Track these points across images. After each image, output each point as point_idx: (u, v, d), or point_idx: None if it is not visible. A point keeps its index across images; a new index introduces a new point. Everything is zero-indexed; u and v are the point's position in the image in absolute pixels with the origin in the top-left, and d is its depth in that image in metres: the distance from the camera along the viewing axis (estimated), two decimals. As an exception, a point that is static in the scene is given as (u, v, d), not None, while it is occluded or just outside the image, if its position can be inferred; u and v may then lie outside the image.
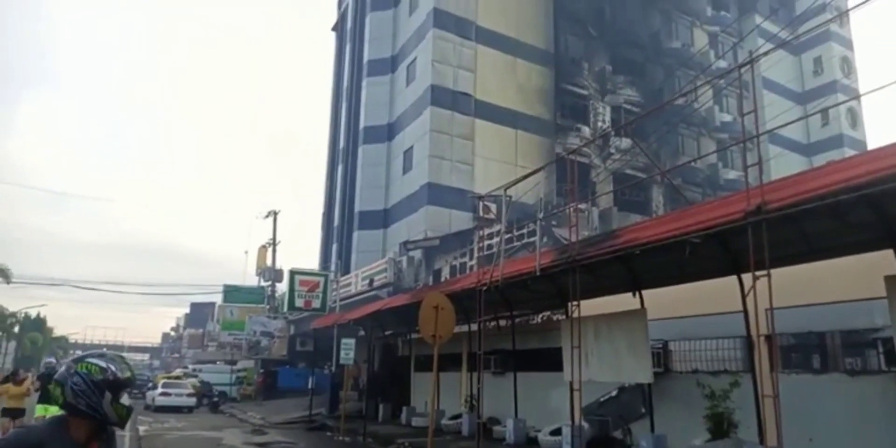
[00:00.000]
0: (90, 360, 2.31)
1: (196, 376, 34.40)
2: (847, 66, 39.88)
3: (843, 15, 35.12)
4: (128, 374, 2.33)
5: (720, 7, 38.67)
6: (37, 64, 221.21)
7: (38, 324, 75.07)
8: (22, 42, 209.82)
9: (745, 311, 8.25)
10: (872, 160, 6.99)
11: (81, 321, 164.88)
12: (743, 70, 9.27)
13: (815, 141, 38.34)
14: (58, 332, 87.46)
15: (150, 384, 35.42)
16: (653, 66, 33.89)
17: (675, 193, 28.13)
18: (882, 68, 60.88)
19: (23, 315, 65.90)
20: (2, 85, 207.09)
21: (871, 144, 36.64)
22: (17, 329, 66.24)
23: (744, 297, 8.13)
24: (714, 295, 9.93)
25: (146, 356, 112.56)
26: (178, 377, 33.76)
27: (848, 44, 40.87)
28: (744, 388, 9.17)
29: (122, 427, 2.40)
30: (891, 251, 7.56)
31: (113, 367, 2.28)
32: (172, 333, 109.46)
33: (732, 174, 32.64)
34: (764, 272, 6.87)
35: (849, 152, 33.53)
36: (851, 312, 8.97)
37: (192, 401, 27.97)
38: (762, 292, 6.86)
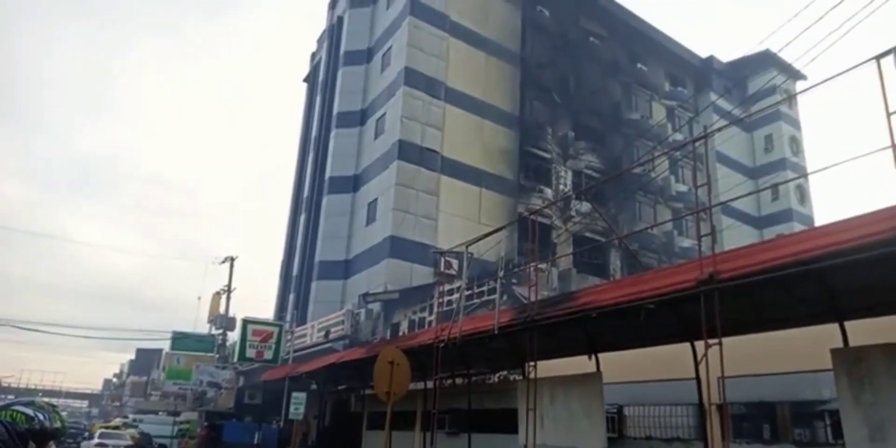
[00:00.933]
0: (17, 407, 2.20)
1: (136, 427, 32.66)
2: (796, 145, 42.19)
3: (791, 98, 37.44)
4: (57, 424, 2.21)
5: (678, 83, 40.87)
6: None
7: (-32, 365, 70.78)
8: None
9: (698, 379, 8.38)
10: (820, 236, 7.37)
11: (19, 364, 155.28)
12: (698, 144, 9.78)
13: (765, 214, 40.01)
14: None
15: (86, 433, 33.54)
16: (613, 135, 35.27)
17: (632, 258, 28.79)
18: (827, 148, 64.66)
19: (-49, 355, 62.14)
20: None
21: (818, 220, 38.52)
22: (-57, 370, 62.31)
23: (696, 364, 8.27)
24: (669, 361, 10.07)
25: (85, 403, 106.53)
26: (116, 427, 32.03)
27: (796, 124, 43.38)
28: (696, 456, 9.20)
29: None
30: (836, 325, 7.86)
31: (41, 416, 2.18)
32: (115, 380, 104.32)
33: (687, 242, 33.63)
34: (715, 340, 7.05)
35: (797, 227, 35.11)
36: (800, 384, 9.19)
37: (130, 453, 26.46)
38: (714, 360, 7.01)
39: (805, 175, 39.15)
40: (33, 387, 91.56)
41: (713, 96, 36.94)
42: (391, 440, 12.45)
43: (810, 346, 8.22)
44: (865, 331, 7.58)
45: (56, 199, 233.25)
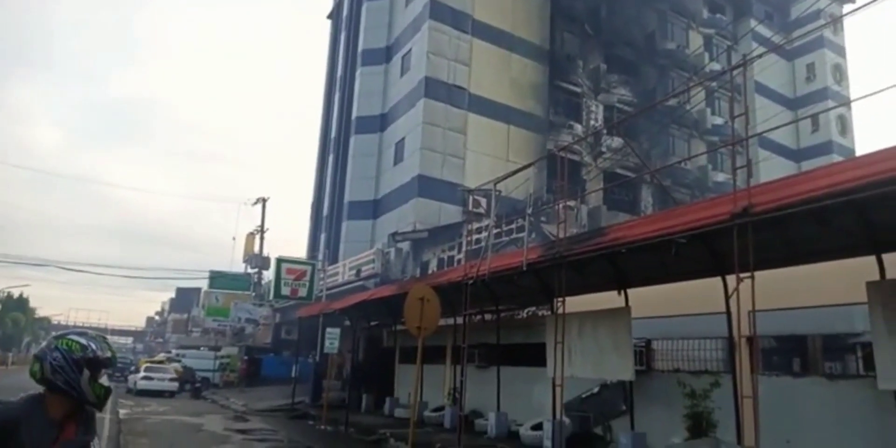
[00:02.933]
0: (71, 336, 2.28)
1: (179, 361, 34.26)
2: (839, 73, 40.18)
3: (836, 22, 35.38)
4: (108, 354, 2.29)
5: (716, 10, 38.82)
6: (29, 45, 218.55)
7: (22, 304, 74.49)
8: (10, 22, 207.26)
9: (728, 313, 8.34)
10: (859, 166, 7.08)
11: (65, 303, 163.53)
12: (735, 73, 9.36)
13: (804, 146, 38.67)
14: (41, 313, 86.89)
15: (133, 368, 35.27)
16: (647, 67, 33.98)
17: (664, 194, 28.31)
18: (873, 76, 61.40)
19: (5, 294, 65.40)
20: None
21: (860, 152, 37.05)
22: (-1, 308, 65.73)
23: (727, 298, 8.21)
24: (698, 295, 10.03)
25: (129, 340, 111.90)
26: (161, 362, 33.63)
27: (841, 51, 41.17)
28: (724, 388, 9.29)
29: (100, 409, 2.35)
30: (873, 257, 7.66)
31: (93, 346, 2.25)
32: (157, 318, 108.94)
33: (721, 177, 32.88)
34: (748, 274, 6.95)
35: (837, 159, 33.88)
36: (832, 317, 9.10)
37: (175, 386, 27.87)
38: (745, 294, 6.94)
39: (847, 103, 37.26)
40: (81, 324, 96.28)
41: (753, 23, 35.11)
42: (423, 372, 12.82)
43: (844, 279, 8.08)
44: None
45: (92, 143, 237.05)
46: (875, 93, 7.15)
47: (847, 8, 35.61)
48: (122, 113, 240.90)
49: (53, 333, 2.48)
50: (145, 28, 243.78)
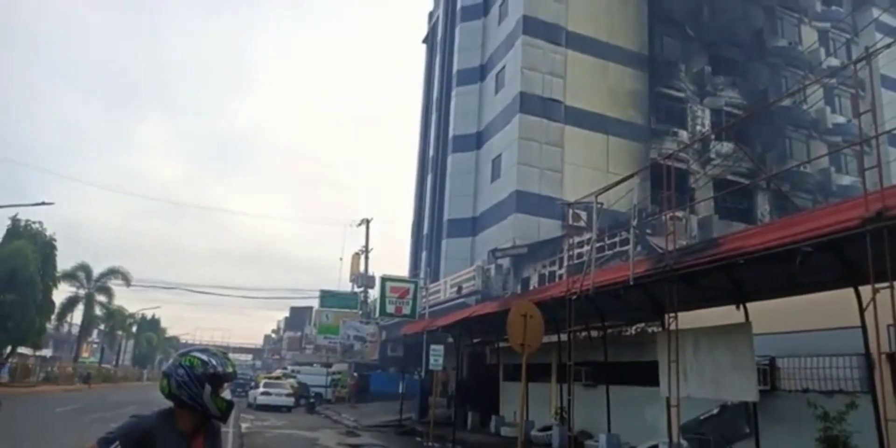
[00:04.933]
0: (194, 353, 2.40)
1: (294, 377, 35.63)
2: (982, 59, 36.21)
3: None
4: (229, 369, 2.40)
5: (831, 2, 36.25)
6: (155, 86, 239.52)
7: (154, 324, 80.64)
8: (143, 63, 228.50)
9: (864, 327, 7.57)
10: None
11: (192, 322, 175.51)
12: (858, 67, 8.61)
13: (944, 142, 35.02)
14: (170, 333, 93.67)
15: (253, 383, 37.04)
16: (756, 66, 32.17)
17: (783, 200, 26.50)
18: None
19: (140, 316, 71.07)
20: (126, 105, 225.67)
21: None
22: (135, 329, 71.53)
23: (862, 311, 7.47)
24: (828, 308, 9.20)
25: (249, 356, 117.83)
26: (277, 378, 35.12)
27: (983, 34, 37.17)
28: (862, 410, 8.41)
29: (224, 421, 2.46)
30: None
31: (214, 362, 2.36)
32: (273, 336, 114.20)
33: (847, 180, 30.35)
34: (885, 284, 6.29)
35: (984, 154, 30.40)
36: None
37: (291, 401, 28.94)
38: (884, 306, 6.27)
39: None
40: (206, 342, 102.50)
41: (875, 12, 32.45)
42: (528, 391, 12.54)
43: None
44: None
45: (210, 173, 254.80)
46: None
47: None
48: (234, 144, 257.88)
49: (179, 351, 2.60)
50: (250, 63, 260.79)
